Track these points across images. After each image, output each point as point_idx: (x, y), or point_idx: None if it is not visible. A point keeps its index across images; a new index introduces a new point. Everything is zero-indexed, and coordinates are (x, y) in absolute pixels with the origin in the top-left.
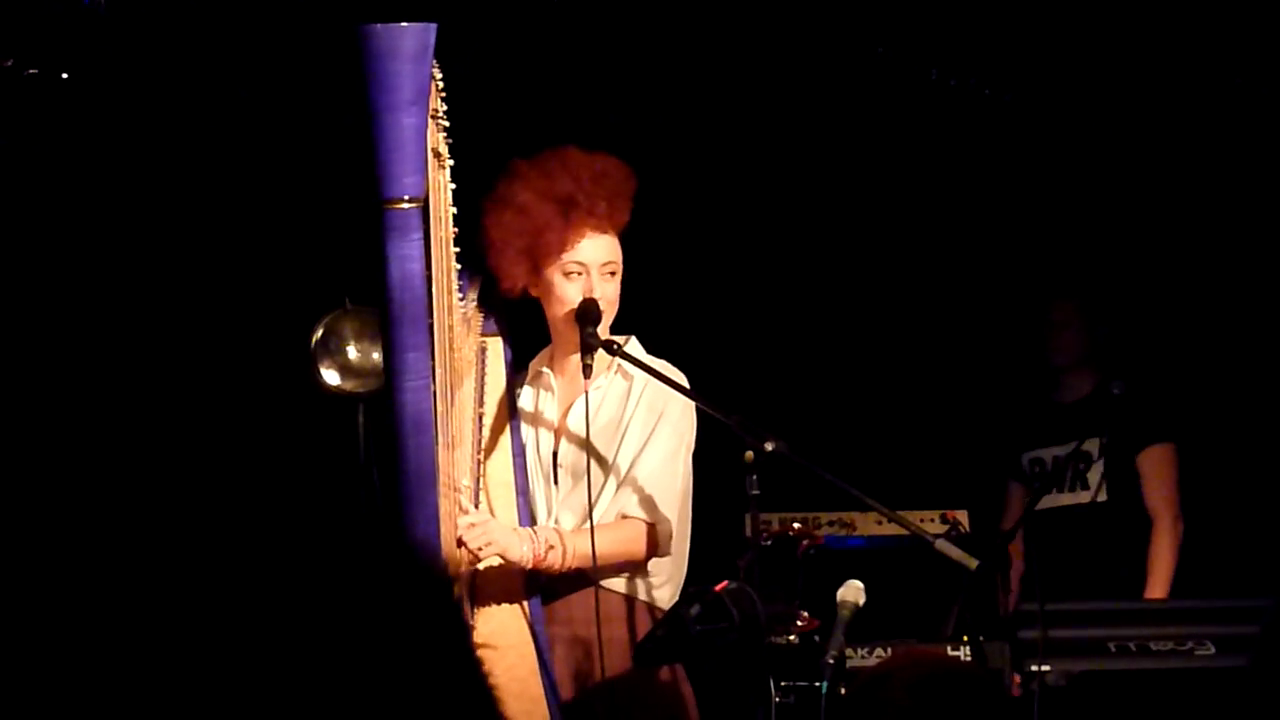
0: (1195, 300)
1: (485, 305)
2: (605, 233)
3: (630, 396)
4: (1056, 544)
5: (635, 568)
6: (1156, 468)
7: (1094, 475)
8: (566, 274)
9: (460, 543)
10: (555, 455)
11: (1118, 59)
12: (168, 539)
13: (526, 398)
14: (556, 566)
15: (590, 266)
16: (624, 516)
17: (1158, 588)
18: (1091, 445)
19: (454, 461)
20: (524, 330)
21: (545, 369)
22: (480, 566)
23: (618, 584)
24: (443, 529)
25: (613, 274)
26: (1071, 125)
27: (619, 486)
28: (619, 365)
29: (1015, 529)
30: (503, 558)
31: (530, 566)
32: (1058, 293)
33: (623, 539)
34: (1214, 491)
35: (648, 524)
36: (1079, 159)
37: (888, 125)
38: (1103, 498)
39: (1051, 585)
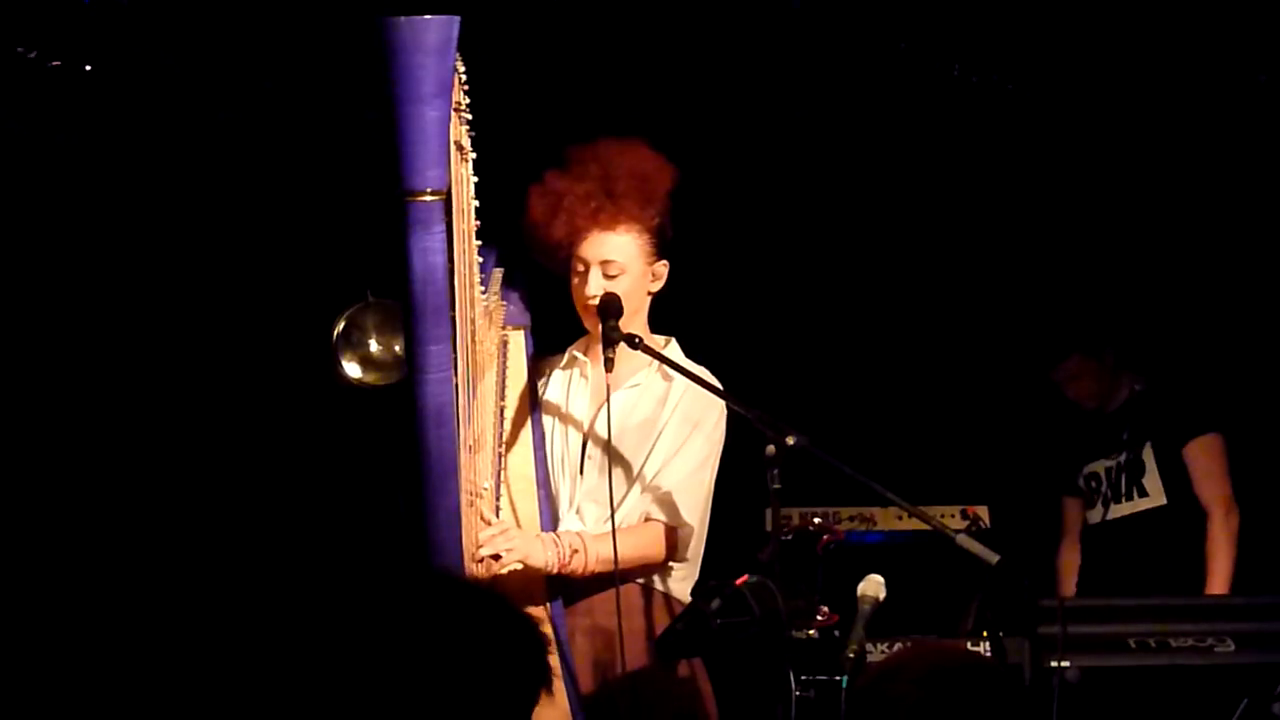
0: (1232, 295)
1: (509, 296)
2: (610, 230)
3: (668, 400)
4: (1127, 552)
5: (655, 567)
6: (1204, 459)
7: (1151, 482)
8: (575, 269)
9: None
10: (584, 447)
11: (1138, 55)
12: (190, 529)
13: (559, 383)
14: (580, 571)
15: (591, 263)
16: (648, 519)
17: (1218, 583)
18: (1145, 453)
19: (475, 466)
20: (551, 319)
21: (581, 355)
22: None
23: (638, 580)
24: (463, 523)
25: (615, 274)
26: (1092, 121)
27: (645, 489)
28: (659, 366)
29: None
30: (525, 564)
31: (555, 572)
32: (1053, 357)
33: (644, 542)
34: (1237, 486)
35: (669, 528)
36: (1100, 152)
37: (910, 120)
38: (1162, 501)
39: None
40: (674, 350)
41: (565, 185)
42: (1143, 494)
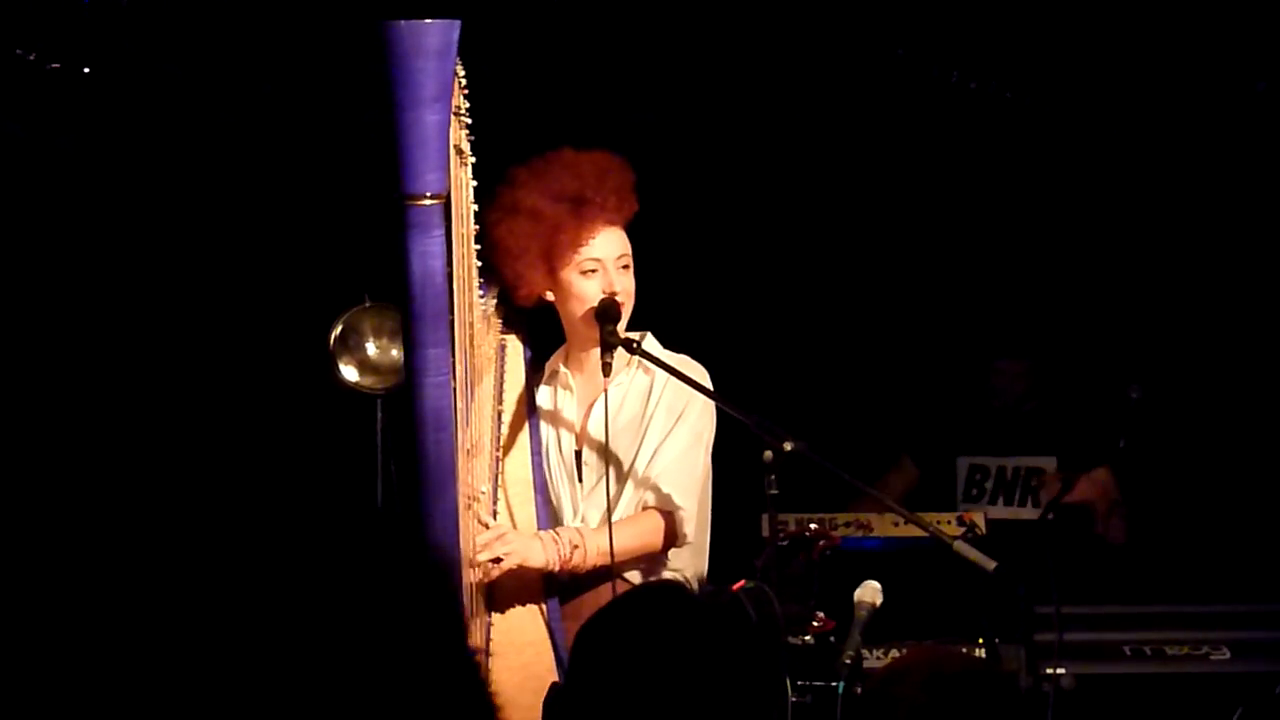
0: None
1: (505, 303)
2: (616, 226)
3: (652, 394)
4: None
5: (654, 559)
6: (1095, 489)
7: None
8: (583, 272)
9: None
10: (579, 454)
11: (1137, 61)
12: (185, 533)
13: (545, 396)
14: (582, 566)
15: (606, 261)
16: (644, 508)
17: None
18: (1045, 462)
19: (473, 469)
20: (541, 328)
21: (563, 367)
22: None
23: (636, 576)
24: (460, 527)
25: (626, 266)
26: (1090, 128)
27: (639, 483)
28: (640, 361)
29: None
30: (526, 566)
31: (556, 570)
32: (1005, 351)
33: (641, 531)
34: (1230, 494)
35: (665, 514)
36: (1097, 159)
37: (908, 126)
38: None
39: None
40: (651, 344)
41: (583, 186)
42: (1037, 504)
